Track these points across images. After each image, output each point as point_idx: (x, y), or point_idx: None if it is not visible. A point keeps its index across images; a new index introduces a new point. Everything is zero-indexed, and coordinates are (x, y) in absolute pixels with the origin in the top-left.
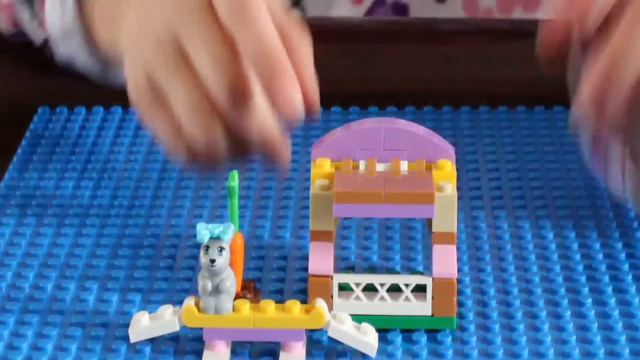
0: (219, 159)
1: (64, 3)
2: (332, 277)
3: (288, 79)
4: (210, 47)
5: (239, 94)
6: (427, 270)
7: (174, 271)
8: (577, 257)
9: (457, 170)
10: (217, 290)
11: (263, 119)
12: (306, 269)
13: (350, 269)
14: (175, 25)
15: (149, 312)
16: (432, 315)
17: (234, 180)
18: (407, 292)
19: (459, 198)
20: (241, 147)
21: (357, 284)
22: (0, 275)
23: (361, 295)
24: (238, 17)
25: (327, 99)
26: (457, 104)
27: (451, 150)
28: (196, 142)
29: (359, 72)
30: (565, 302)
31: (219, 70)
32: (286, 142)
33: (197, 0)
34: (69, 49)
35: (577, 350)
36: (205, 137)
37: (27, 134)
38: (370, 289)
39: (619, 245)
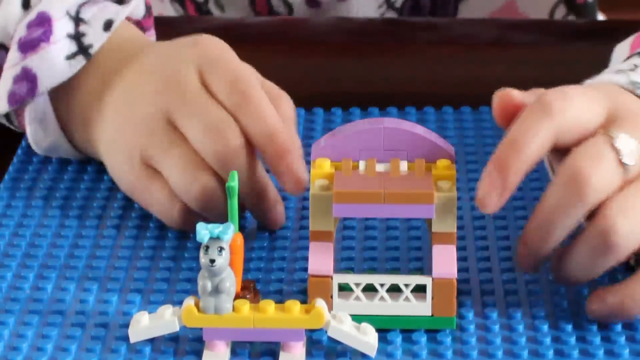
0: (215, 214)
1: (45, 123)
2: (332, 277)
3: (295, 159)
4: (206, 124)
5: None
6: (427, 270)
7: (173, 271)
8: None
9: (457, 170)
10: (216, 291)
11: (260, 182)
12: (306, 269)
13: (350, 269)
14: (168, 107)
15: (149, 313)
16: (432, 315)
17: (234, 180)
18: (407, 292)
19: (459, 198)
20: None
21: (357, 284)
22: (1, 276)
23: (361, 295)
24: (240, 101)
25: (328, 99)
26: (458, 104)
27: (451, 150)
28: (192, 202)
29: (359, 72)
30: (565, 302)
31: (214, 146)
32: (281, 205)
33: (189, 82)
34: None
35: (577, 351)
36: (200, 195)
37: None
38: (370, 289)
39: None
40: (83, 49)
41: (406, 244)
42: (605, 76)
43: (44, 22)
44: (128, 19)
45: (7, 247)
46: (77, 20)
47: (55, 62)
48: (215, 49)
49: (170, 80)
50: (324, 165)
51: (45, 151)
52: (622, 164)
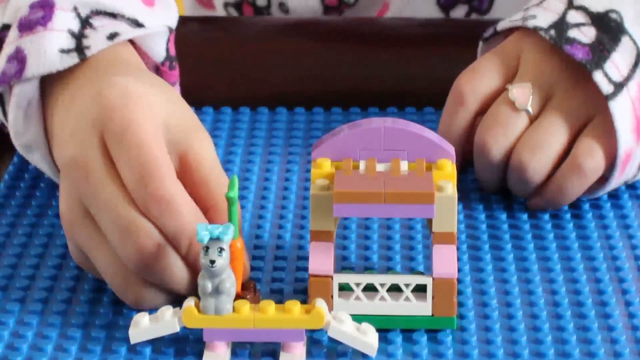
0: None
1: (29, 112)
2: (332, 277)
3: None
4: (118, 227)
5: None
6: (428, 270)
7: None
8: (578, 256)
9: (458, 170)
10: (217, 291)
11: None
12: (306, 269)
13: (350, 269)
14: (80, 191)
15: (149, 313)
16: (433, 315)
17: (234, 189)
18: (407, 292)
19: (459, 198)
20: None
21: (357, 284)
22: (1, 276)
23: (361, 295)
24: (149, 200)
25: (328, 99)
26: None
27: (451, 150)
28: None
29: (360, 72)
30: (565, 301)
31: (131, 254)
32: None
33: (92, 163)
34: (31, 159)
35: (578, 350)
36: (136, 303)
37: None
38: (370, 289)
39: (620, 245)
40: (80, 49)
41: (406, 243)
42: (504, 22)
43: (45, 6)
44: (146, 59)
45: (6, 246)
46: (86, 22)
47: (46, 50)
48: (121, 115)
49: (77, 159)
50: (324, 165)
51: (23, 149)
52: (518, 110)
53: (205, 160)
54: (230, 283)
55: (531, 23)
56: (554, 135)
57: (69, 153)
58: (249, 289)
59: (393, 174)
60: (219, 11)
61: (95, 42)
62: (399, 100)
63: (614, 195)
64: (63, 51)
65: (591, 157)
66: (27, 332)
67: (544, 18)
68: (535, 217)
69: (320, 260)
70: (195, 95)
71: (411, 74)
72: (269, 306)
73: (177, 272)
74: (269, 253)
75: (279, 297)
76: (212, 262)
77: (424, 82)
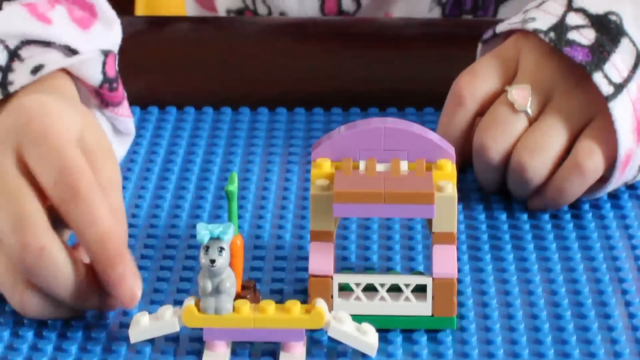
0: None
1: None
2: (332, 277)
3: (128, 270)
4: (10, 211)
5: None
6: (427, 270)
7: (174, 272)
8: (578, 257)
9: (457, 170)
10: (217, 291)
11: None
12: (306, 269)
13: (350, 269)
14: None
15: (149, 313)
16: (433, 315)
17: (233, 183)
18: (407, 292)
19: (459, 198)
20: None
21: (357, 284)
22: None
23: (361, 295)
24: (68, 199)
25: (328, 99)
26: None
27: (451, 150)
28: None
29: (359, 73)
30: (565, 302)
31: (15, 235)
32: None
33: (3, 170)
34: None
35: (578, 350)
36: (22, 310)
37: None
38: (370, 289)
39: (620, 245)
40: (3, 84)
41: (406, 243)
42: (503, 25)
43: None
44: (83, 83)
45: None
46: (14, 55)
47: None
48: (42, 124)
49: None
50: (324, 165)
51: None
52: (517, 112)
53: (103, 180)
54: (231, 283)
55: (530, 26)
56: (554, 136)
57: None
58: (249, 289)
59: (393, 174)
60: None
61: (19, 76)
62: (399, 100)
63: (613, 195)
64: None
65: (591, 158)
66: (27, 333)
67: (543, 21)
68: (535, 217)
69: (320, 260)
70: (195, 95)
71: (411, 74)
72: (269, 306)
73: (61, 275)
74: (269, 253)
75: (279, 297)
76: (213, 261)
77: (424, 82)
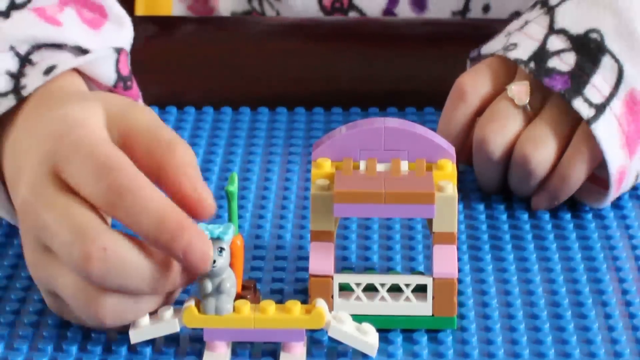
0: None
1: None
2: (332, 277)
3: (194, 236)
4: (65, 229)
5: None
6: (428, 270)
7: None
8: (578, 257)
9: (458, 170)
10: (217, 291)
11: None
12: (306, 269)
13: (351, 269)
14: (36, 233)
15: (149, 313)
16: (433, 315)
17: (234, 184)
18: (407, 292)
19: (460, 198)
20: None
21: (358, 284)
22: (1, 277)
23: (362, 295)
24: (113, 199)
25: (328, 99)
26: None
27: (452, 150)
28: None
29: (360, 72)
30: (566, 302)
31: (75, 249)
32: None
33: (46, 200)
34: None
35: (578, 351)
36: (101, 322)
37: None
38: (370, 289)
39: (620, 245)
40: (17, 89)
41: (406, 243)
42: (487, 48)
43: None
44: (97, 83)
45: (6, 247)
46: (25, 60)
47: None
48: (74, 136)
49: (27, 201)
50: (324, 165)
51: None
52: (518, 106)
53: (142, 124)
54: (231, 283)
55: (512, 55)
56: (556, 128)
57: (20, 197)
58: (249, 289)
59: (393, 174)
60: None
61: (32, 79)
62: (399, 100)
63: None
64: (0, 95)
65: (592, 140)
66: (27, 333)
67: (524, 48)
68: (535, 218)
69: (321, 260)
70: (196, 96)
71: (411, 74)
72: (270, 306)
73: (131, 268)
74: (269, 253)
75: (279, 297)
76: (213, 262)
77: (424, 82)
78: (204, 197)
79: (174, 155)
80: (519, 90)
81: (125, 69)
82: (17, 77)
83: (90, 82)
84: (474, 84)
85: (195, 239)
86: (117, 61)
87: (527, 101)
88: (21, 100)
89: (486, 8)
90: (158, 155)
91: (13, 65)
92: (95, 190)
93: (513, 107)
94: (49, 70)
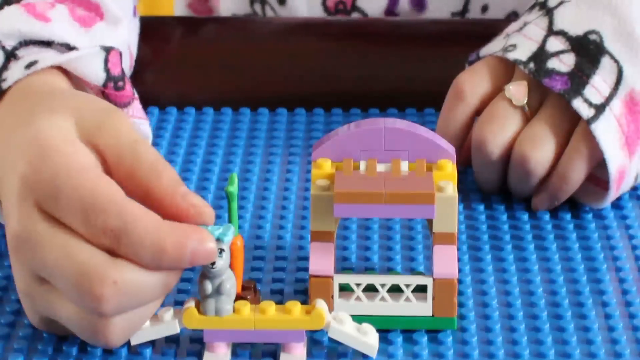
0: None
1: None
2: (332, 278)
3: (195, 247)
4: (66, 271)
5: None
6: (428, 270)
7: None
8: (578, 257)
9: (457, 170)
10: (217, 292)
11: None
12: (306, 270)
13: (351, 270)
14: (28, 258)
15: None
16: (433, 315)
17: (234, 184)
18: (407, 292)
19: (460, 198)
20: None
21: (358, 285)
22: (1, 277)
23: (362, 295)
24: (110, 241)
25: (328, 99)
26: None
27: (452, 150)
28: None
29: (360, 73)
30: (566, 302)
31: (82, 292)
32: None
33: (37, 230)
34: None
35: (578, 351)
36: (110, 346)
37: None
38: (370, 289)
39: (620, 245)
40: None
41: (406, 244)
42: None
43: None
44: (87, 84)
45: (6, 247)
46: (11, 55)
47: None
48: (50, 172)
49: (20, 236)
50: (324, 166)
51: None
52: (516, 107)
53: (120, 142)
54: (231, 284)
55: (511, 55)
56: (554, 128)
57: (12, 229)
58: (249, 290)
59: (393, 174)
60: None
61: (13, 73)
62: (399, 101)
63: None
64: None
65: (592, 140)
66: (27, 333)
67: (523, 49)
68: (535, 218)
69: (321, 260)
70: (196, 96)
71: (411, 75)
72: (270, 307)
73: (145, 291)
74: (269, 253)
75: (279, 297)
76: (213, 263)
77: (424, 82)
78: (203, 211)
79: (160, 180)
80: (517, 91)
81: (117, 69)
82: (0, 71)
83: (81, 81)
84: (472, 83)
85: (196, 246)
86: (106, 60)
87: (525, 101)
88: (1, 94)
89: (485, 8)
90: (144, 180)
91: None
92: (88, 232)
93: (511, 108)
94: (30, 65)
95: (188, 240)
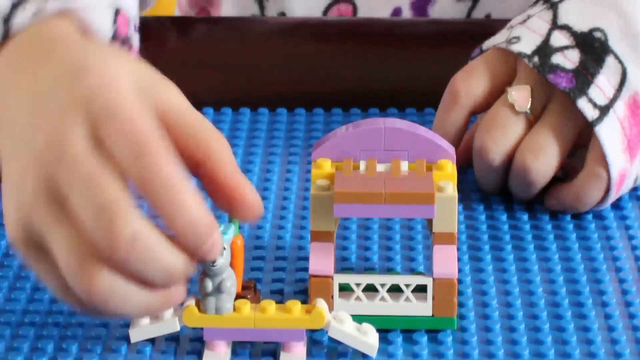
0: (111, 311)
1: None
2: (332, 278)
3: (217, 239)
4: (96, 208)
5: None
6: (428, 270)
7: None
8: (578, 257)
9: (457, 170)
10: (217, 290)
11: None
12: (306, 270)
13: (351, 269)
14: (51, 171)
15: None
16: (433, 315)
17: None
18: (407, 292)
19: (460, 198)
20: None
21: (358, 284)
22: (1, 276)
23: (362, 295)
24: (151, 189)
25: (328, 99)
26: None
27: (452, 150)
28: (85, 300)
29: (360, 73)
30: (566, 302)
31: (102, 222)
32: (182, 290)
33: (74, 145)
34: None
35: (578, 351)
36: (88, 293)
37: None
38: (370, 289)
39: (620, 245)
40: (5, 23)
41: (406, 244)
42: (489, 43)
43: None
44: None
45: (7, 247)
46: (19, 3)
47: None
48: (109, 94)
49: (51, 139)
50: (324, 165)
51: None
52: (518, 113)
53: (181, 107)
54: (231, 282)
55: (515, 48)
56: (557, 137)
57: (37, 139)
58: (249, 289)
59: (393, 174)
60: None
61: (19, 19)
62: (399, 101)
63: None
64: None
65: (605, 164)
66: (27, 332)
67: (527, 42)
68: (535, 218)
69: (321, 260)
70: (196, 96)
71: (411, 75)
72: (270, 306)
73: (153, 260)
74: (269, 253)
75: (279, 297)
76: (213, 261)
77: (424, 82)
78: (257, 204)
79: (221, 154)
80: (520, 96)
81: (124, 29)
82: (7, 19)
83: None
84: (467, 84)
85: (217, 240)
86: (115, 17)
87: (528, 107)
88: (5, 40)
89: (487, 17)
90: (202, 149)
91: (5, 5)
92: (131, 169)
93: (513, 114)
94: (38, 12)
95: (214, 231)
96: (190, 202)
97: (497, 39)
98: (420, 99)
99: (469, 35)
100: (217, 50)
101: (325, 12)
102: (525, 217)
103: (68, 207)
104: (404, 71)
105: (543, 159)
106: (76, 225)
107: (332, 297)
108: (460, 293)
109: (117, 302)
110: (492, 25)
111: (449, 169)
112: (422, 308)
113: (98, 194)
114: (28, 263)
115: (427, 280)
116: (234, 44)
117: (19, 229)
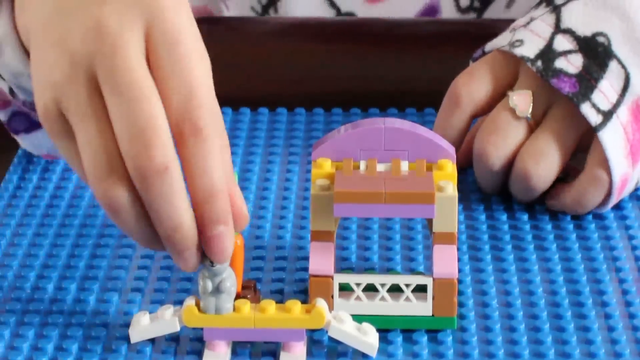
0: (121, 228)
1: None
2: (332, 277)
3: (230, 231)
4: (134, 124)
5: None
6: (428, 270)
7: (174, 271)
8: (578, 257)
9: (457, 170)
10: (217, 290)
11: (174, 218)
12: (306, 269)
13: (351, 269)
14: (95, 63)
15: (150, 312)
16: (433, 315)
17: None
18: (407, 292)
19: (460, 198)
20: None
21: (358, 284)
22: (1, 276)
23: (362, 295)
24: (191, 130)
25: (328, 99)
26: None
27: (452, 150)
28: (101, 205)
29: (360, 73)
30: (566, 302)
31: (139, 141)
32: (195, 252)
33: (129, 51)
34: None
35: (578, 351)
36: (107, 206)
37: None
38: (370, 289)
39: (620, 246)
40: None
41: (406, 244)
42: (492, 44)
43: None
44: None
45: (8, 246)
46: None
47: None
48: (173, 19)
49: (106, 36)
50: (324, 165)
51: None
52: (519, 118)
53: (176, 27)
54: (231, 282)
55: (518, 51)
56: (558, 142)
57: (107, 27)
58: (249, 289)
59: (393, 174)
60: None
61: None
62: (399, 101)
63: None
64: None
65: (606, 168)
66: (27, 332)
67: (530, 45)
68: (535, 218)
69: (321, 260)
70: None
71: (411, 75)
72: (270, 306)
73: (173, 203)
74: (269, 253)
75: (279, 297)
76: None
77: (424, 82)
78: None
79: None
80: (521, 100)
81: None
82: None
83: None
84: (468, 88)
85: (230, 232)
86: None
87: (530, 112)
88: None
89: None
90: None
91: None
92: (179, 108)
93: (514, 119)
94: None
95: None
96: (216, 172)
97: (500, 42)
98: (420, 99)
99: (469, 36)
100: (217, 50)
101: None
102: (525, 217)
103: (105, 104)
104: (404, 71)
105: (544, 165)
106: (107, 130)
107: (332, 296)
108: (460, 293)
109: (125, 221)
110: (492, 26)
111: (449, 168)
112: (422, 308)
113: (142, 111)
114: (52, 139)
115: (427, 280)
116: (233, 44)
117: (49, 104)
